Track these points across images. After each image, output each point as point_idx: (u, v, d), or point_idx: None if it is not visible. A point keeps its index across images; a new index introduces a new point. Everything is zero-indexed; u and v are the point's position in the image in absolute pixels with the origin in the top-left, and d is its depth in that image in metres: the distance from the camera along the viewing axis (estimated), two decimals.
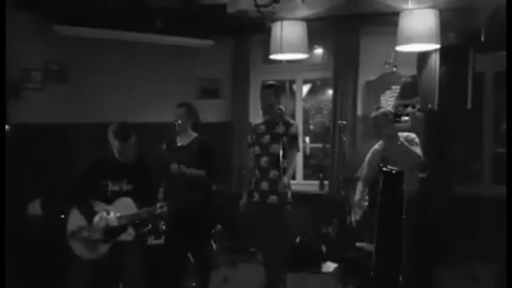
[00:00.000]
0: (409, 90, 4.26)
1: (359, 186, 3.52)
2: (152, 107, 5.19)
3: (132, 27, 4.56)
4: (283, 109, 3.79)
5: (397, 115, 2.99)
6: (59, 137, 4.64)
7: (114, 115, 4.94)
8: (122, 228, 3.03)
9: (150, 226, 4.11)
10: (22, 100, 4.57)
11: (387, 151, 3.22)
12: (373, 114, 3.31)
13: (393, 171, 2.90)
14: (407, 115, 2.96)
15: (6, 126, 2.90)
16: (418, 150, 3.18)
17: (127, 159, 3.08)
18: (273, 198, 3.57)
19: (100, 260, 2.98)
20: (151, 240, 4.08)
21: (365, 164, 3.52)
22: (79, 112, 4.96)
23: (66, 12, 4.31)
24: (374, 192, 3.11)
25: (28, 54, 4.61)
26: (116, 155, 3.07)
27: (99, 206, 3.03)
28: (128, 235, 3.05)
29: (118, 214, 3.00)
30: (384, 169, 2.96)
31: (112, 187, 3.06)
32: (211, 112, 5.56)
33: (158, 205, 3.07)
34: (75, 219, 3.05)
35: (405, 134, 3.27)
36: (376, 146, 3.43)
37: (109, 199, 3.05)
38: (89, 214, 2.99)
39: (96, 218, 2.96)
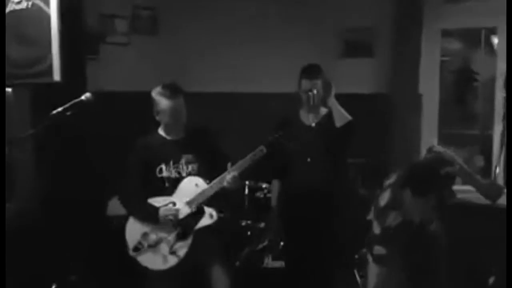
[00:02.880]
0: None
1: None
2: (273, 73, 5.44)
3: None
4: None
5: None
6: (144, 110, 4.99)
7: (216, 84, 5.32)
8: (197, 213, 3.49)
9: (266, 241, 4.54)
10: (102, 59, 5.04)
11: None
12: None
13: None
14: None
15: (88, 94, 3.28)
16: None
17: (178, 129, 3.56)
18: None
19: (182, 265, 3.43)
20: (268, 261, 4.46)
21: None
22: (171, 78, 5.22)
23: None
24: None
25: None
26: (162, 132, 3.58)
27: (159, 200, 3.51)
28: (208, 218, 3.50)
29: (187, 199, 3.47)
30: None
31: (168, 173, 3.54)
32: (358, 77, 5.57)
33: (259, 148, 3.46)
34: (134, 228, 3.54)
35: None
36: None
37: (168, 191, 3.52)
38: (151, 214, 3.46)
39: (162, 212, 3.44)
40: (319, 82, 3.89)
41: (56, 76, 4.00)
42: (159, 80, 4.97)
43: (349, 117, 3.87)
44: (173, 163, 3.52)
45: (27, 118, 4.13)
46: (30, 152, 4.28)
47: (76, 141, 4.57)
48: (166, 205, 3.47)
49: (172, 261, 3.44)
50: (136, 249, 3.49)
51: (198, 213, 3.49)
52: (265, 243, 4.56)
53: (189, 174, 3.53)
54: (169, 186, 3.52)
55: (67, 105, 3.19)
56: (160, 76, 4.93)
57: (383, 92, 5.55)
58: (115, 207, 4.40)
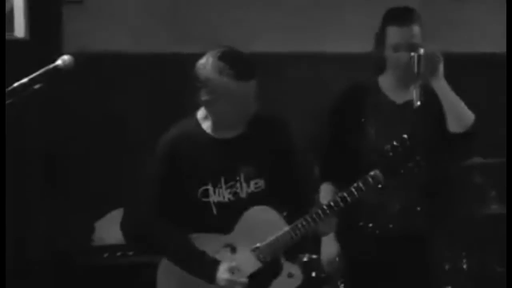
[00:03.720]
0: None
1: None
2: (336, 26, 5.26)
3: None
4: None
5: None
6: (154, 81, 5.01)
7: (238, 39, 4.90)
8: (271, 270, 3.16)
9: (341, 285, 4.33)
10: (88, 4, 4.91)
11: None
12: None
13: None
14: None
15: (66, 57, 2.90)
16: None
17: (236, 124, 3.20)
18: None
19: None
20: None
21: None
22: (197, 33, 5.08)
23: None
24: None
25: None
26: (205, 125, 3.22)
27: (209, 241, 3.19)
28: (286, 279, 3.18)
29: (257, 245, 3.15)
30: None
31: (218, 196, 3.19)
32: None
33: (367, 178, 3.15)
34: (169, 282, 3.23)
35: None
36: None
37: (217, 224, 3.19)
38: (205, 270, 3.13)
39: (224, 275, 3.09)
40: (417, 29, 3.52)
41: (19, 31, 4.06)
42: (178, 36, 5.05)
43: (471, 116, 3.47)
44: (226, 182, 3.17)
45: None
46: None
47: (49, 126, 4.52)
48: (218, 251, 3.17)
49: None
50: None
51: (270, 268, 3.16)
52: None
53: (250, 195, 3.17)
54: (219, 216, 3.17)
55: (35, 74, 2.73)
56: (180, 30, 5.10)
57: None
58: (106, 231, 4.40)
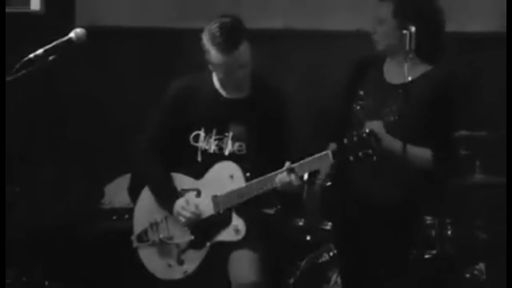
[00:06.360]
0: None
1: None
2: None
3: None
4: None
5: None
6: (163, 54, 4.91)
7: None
8: (222, 220, 3.33)
9: (334, 251, 4.24)
10: None
11: None
12: None
13: None
14: None
15: (78, 30, 3.00)
16: None
17: (236, 89, 3.36)
18: None
19: (189, 282, 3.34)
20: (337, 279, 4.17)
21: None
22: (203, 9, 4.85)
23: None
24: None
25: None
26: (216, 82, 3.41)
27: (182, 181, 3.43)
28: (232, 233, 3.33)
29: (217, 193, 3.34)
30: None
31: (206, 143, 3.40)
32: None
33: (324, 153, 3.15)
34: (145, 210, 3.48)
35: None
36: None
37: (198, 169, 3.41)
38: (168, 197, 3.38)
39: (180, 203, 3.33)
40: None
41: (35, 5, 4.00)
42: (186, 10, 4.94)
43: (426, 155, 3.34)
44: (217, 133, 3.37)
45: None
46: None
47: (62, 97, 4.63)
48: (186, 191, 3.38)
49: (177, 273, 3.37)
50: (140, 239, 3.45)
51: (222, 219, 3.34)
52: (333, 252, 4.24)
53: (231, 155, 3.38)
54: (201, 163, 3.39)
55: (49, 46, 2.93)
56: (188, 5, 4.91)
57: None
58: (116, 194, 4.50)
